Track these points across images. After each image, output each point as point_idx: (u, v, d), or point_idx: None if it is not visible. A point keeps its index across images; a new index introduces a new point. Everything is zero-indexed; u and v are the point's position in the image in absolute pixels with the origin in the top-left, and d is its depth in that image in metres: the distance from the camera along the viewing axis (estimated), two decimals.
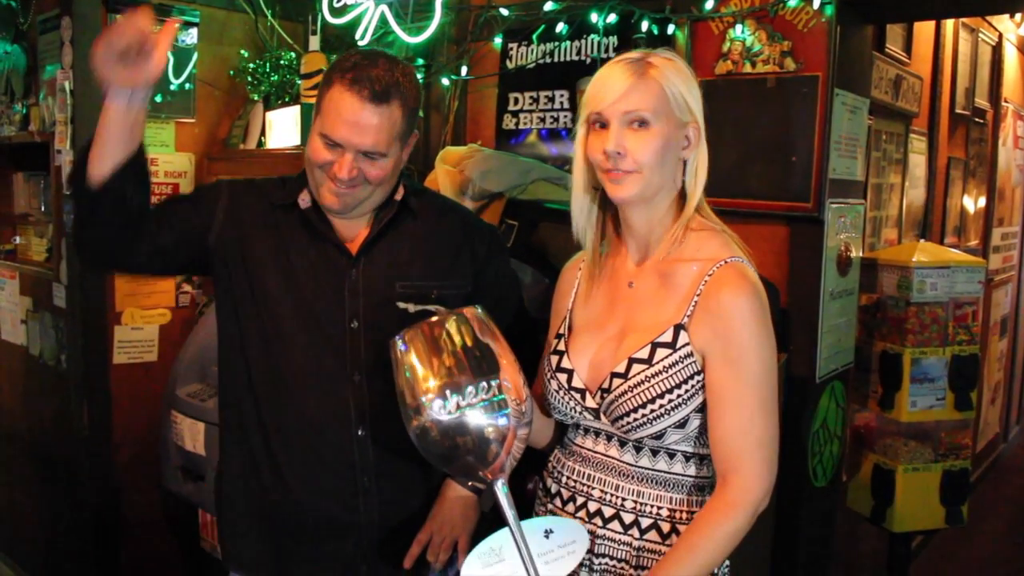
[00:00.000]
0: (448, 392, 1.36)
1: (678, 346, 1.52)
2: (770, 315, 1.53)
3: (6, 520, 4.07)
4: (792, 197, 2.49)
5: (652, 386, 1.51)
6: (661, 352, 1.52)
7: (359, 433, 1.79)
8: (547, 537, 1.45)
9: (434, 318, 1.42)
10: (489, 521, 2.03)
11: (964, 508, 3.01)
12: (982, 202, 4.88)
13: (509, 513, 1.39)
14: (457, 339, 1.41)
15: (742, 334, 1.49)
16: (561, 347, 1.67)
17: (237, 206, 1.85)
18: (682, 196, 1.59)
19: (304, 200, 1.82)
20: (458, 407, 1.36)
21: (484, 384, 1.38)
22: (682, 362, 1.51)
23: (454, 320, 1.42)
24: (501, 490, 1.40)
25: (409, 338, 1.41)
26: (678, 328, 1.52)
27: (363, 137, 1.70)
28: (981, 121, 4.66)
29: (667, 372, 1.51)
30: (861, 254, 2.77)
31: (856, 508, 3.09)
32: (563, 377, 1.64)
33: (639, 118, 1.51)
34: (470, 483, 1.85)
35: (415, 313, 1.70)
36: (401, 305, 1.72)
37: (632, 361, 1.54)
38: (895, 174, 3.67)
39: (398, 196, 1.85)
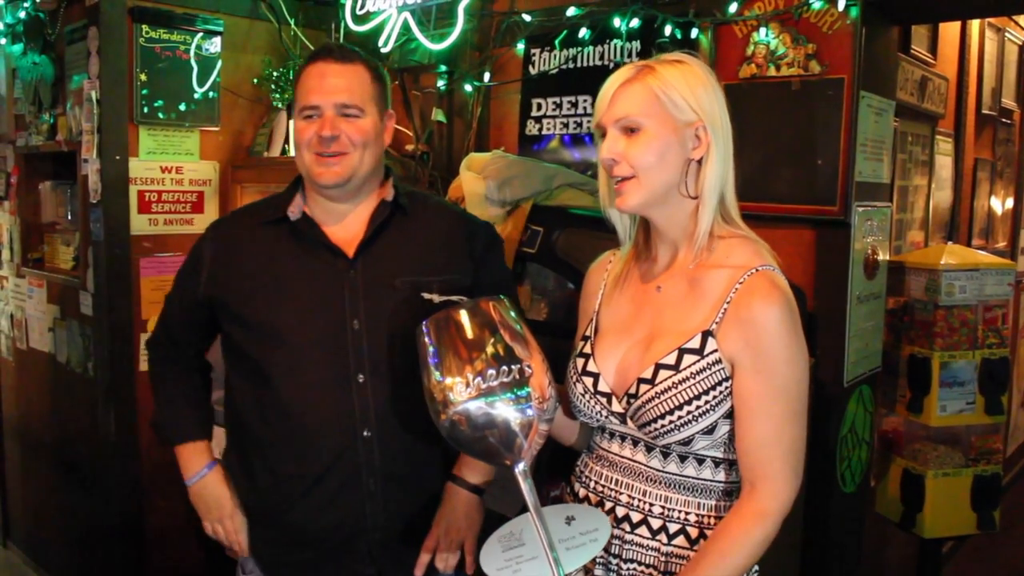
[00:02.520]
0: (471, 377, 1.39)
1: (706, 352, 1.50)
2: (800, 323, 1.52)
3: (33, 525, 4.11)
4: (818, 200, 2.47)
5: (679, 392, 1.50)
6: (688, 358, 1.51)
7: (365, 435, 1.78)
8: (568, 524, 1.47)
9: (459, 308, 1.44)
10: (498, 521, 2.03)
11: (996, 513, 2.97)
12: (1010, 203, 4.82)
13: (529, 497, 1.41)
14: (482, 328, 1.43)
15: (773, 345, 1.47)
16: (587, 350, 1.66)
17: (221, 247, 1.89)
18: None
19: (294, 212, 1.84)
20: (479, 391, 1.38)
21: (506, 368, 1.40)
22: (709, 368, 1.50)
23: (479, 309, 1.44)
24: (522, 474, 1.42)
25: (434, 326, 1.43)
26: (706, 334, 1.51)
27: (337, 92, 1.75)
28: (1008, 122, 4.61)
29: (694, 378, 1.50)
30: (888, 257, 2.74)
31: (885, 514, 3.06)
32: (589, 381, 1.63)
33: (629, 124, 1.52)
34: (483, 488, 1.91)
35: (440, 304, 1.70)
36: (426, 296, 1.73)
37: (659, 367, 1.53)
38: (921, 176, 3.64)
39: (388, 198, 1.87)
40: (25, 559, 4.15)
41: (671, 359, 1.52)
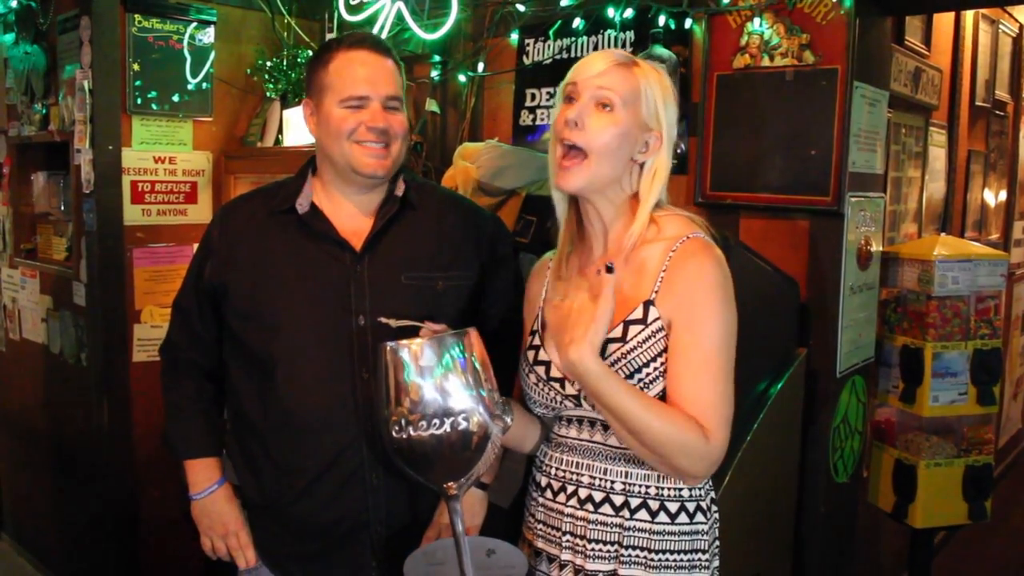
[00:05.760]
0: (429, 413, 1.42)
1: (649, 321, 1.55)
2: (732, 285, 1.56)
3: (26, 515, 4.11)
4: (811, 191, 2.47)
5: (628, 362, 1.54)
6: (634, 329, 1.55)
7: (367, 431, 1.78)
8: (488, 556, 1.56)
9: (417, 339, 1.46)
10: (505, 517, 2.03)
11: (987, 504, 2.99)
12: (1003, 195, 4.83)
13: (458, 526, 1.49)
14: (442, 359, 1.44)
15: (705, 302, 1.52)
16: (537, 342, 1.70)
17: (228, 234, 1.87)
18: (637, 200, 1.62)
19: (302, 205, 1.83)
20: (441, 425, 1.42)
21: (468, 408, 1.43)
22: (654, 336, 1.54)
23: (438, 341, 1.45)
24: (456, 505, 1.49)
25: (391, 357, 1.44)
26: (647, 304, 1.55)
27: (386, 84, 1.76)
28: (1002, 114, 4.61)
29: (641, 347, 1.54)
30: (881, 248, 2.75)
31: (877, 504, 3.07)
32: (541, 370, 1.66)
33: (608, 99, 1.55)
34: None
35: (397, 329, 1.69)
36: (383, 320, 1.72)
37: (607, 341, 1.55)
38: (914, 168, 3.64)
39: (399, 191, 1.86)
40: (18, 549, 4.14)
41: (617, 332, 1.55)
